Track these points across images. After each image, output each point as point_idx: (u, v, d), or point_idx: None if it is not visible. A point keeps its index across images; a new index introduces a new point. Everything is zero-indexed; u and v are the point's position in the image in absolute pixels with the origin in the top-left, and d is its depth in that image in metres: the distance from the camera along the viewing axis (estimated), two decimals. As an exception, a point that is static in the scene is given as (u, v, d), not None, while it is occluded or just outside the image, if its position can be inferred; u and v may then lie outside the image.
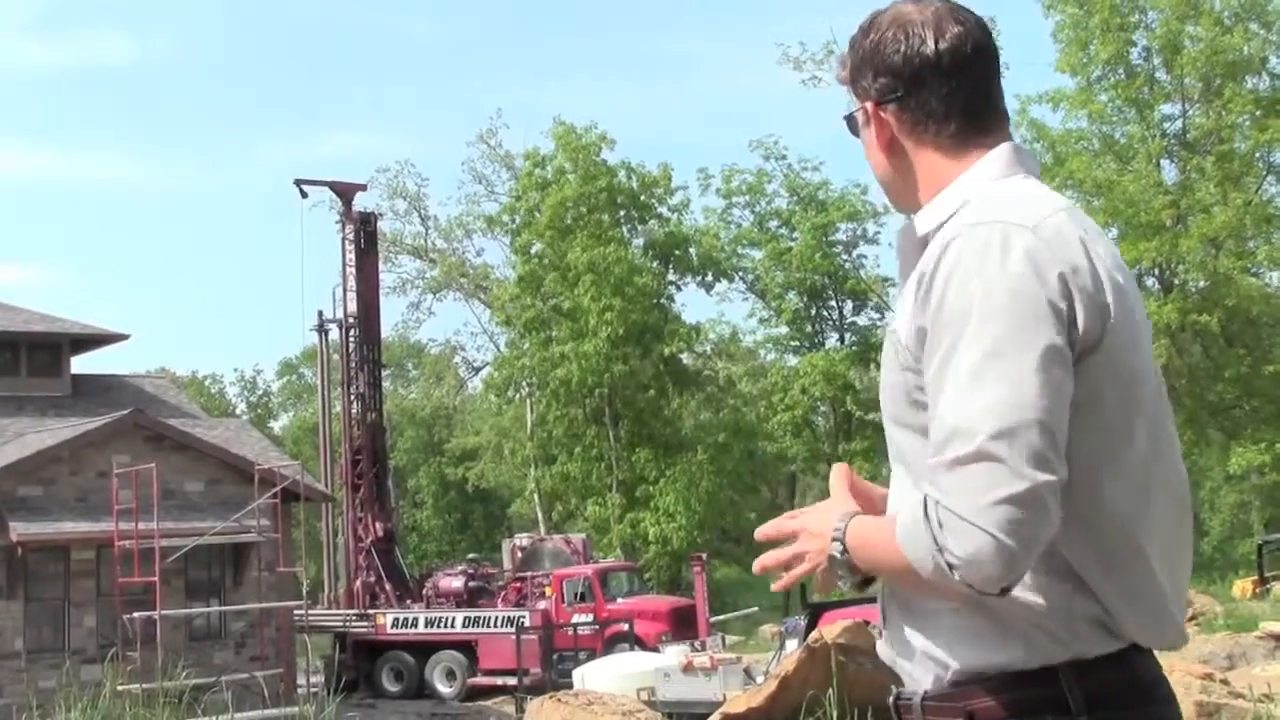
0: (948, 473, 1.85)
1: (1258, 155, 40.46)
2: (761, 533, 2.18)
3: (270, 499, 27.03)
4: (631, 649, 25.64)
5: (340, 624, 32.18)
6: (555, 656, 26.63)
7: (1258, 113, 39.36)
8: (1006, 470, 1.82)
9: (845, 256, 46.63)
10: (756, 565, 2.18)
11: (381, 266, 40.06)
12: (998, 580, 1.83)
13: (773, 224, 47.11)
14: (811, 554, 2.08)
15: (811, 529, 2.09)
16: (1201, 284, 40.20)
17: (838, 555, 2.02)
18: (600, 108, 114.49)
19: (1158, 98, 40.66)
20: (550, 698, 15.12)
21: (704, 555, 31.43)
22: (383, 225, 43.74)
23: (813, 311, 47.46)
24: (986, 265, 1.90)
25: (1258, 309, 40.22)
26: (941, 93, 2.10)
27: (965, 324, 1.88)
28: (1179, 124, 41.56)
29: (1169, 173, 41.29)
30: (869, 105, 2.17)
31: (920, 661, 2.06)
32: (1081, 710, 1.95)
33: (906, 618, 2.08)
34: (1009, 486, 1.81)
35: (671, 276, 46.63)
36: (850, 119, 2.22)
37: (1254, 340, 41.19)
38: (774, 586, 2.26)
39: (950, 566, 1.83)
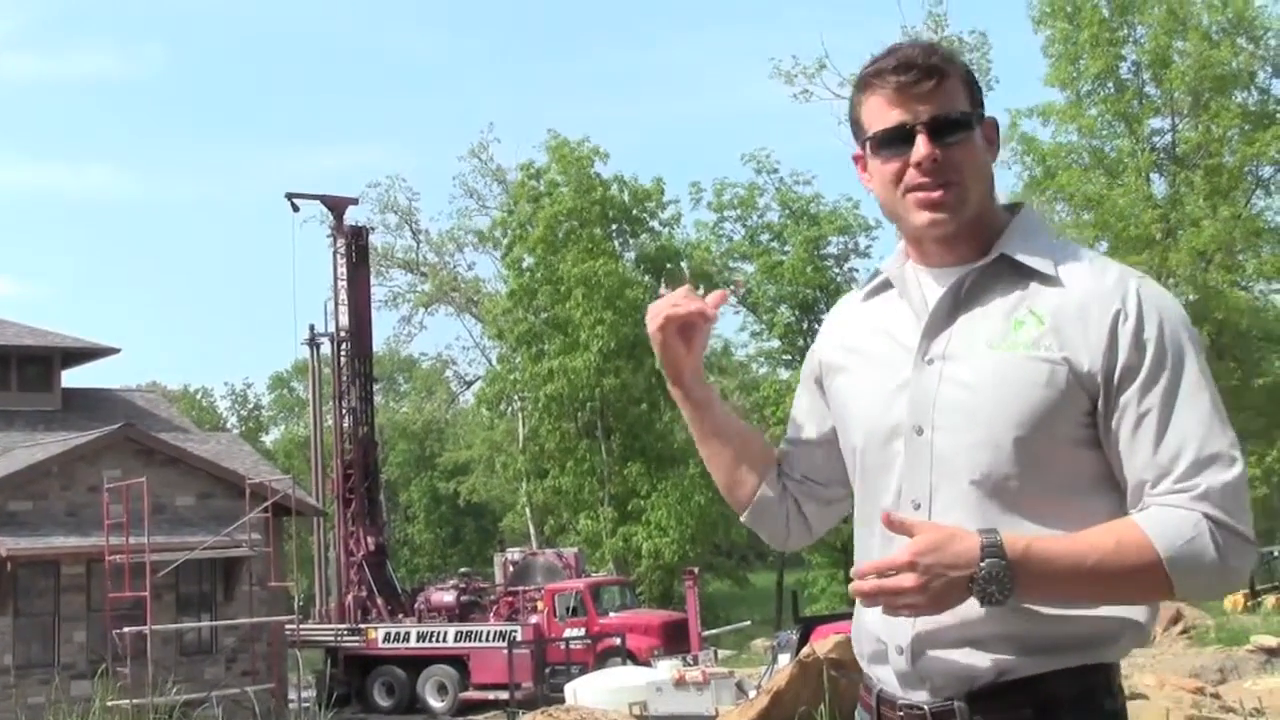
0: (1222, 492, 2.07)
1: (1246, 169, 40.61)
2: (862, 570, 2.10)
3: (261, 513, 27.01)
4: (624, 663, 25.61)
5: (332, 638, 32.11)
6: (547, 671, 26.61)
7: (1246, 126, 39.53)
8: (1247, 493, 2.11)
9: (837, 270, 46.70)
10: (854, 589, 2.10)
11: (373, 280, 40.12)
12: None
13: (764, 237, 47.18)
14: (931, 585, 2.03)
15: (928, 559, 2.03)
16: (1191, 297, 40.29)
17: (991, 572, 2.02)
18: (591, 121, 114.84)
19: (1147, 111, 40.82)
20: (542, 712, 15.11)
21: (696, 570, 31.45)
22: (374, 239, 43.79)
23: (804, 325, 47.48)
24: (1177, 310, 2.19)
25: (1247, 322, 40.31)
26: None
27: (1185, 361, 2.14)
28: (1168, 138, 41.73)
29: (1158, 186, 41.44)
30: (990, 118, 2.33)
31: (1029, 653, 2.14)
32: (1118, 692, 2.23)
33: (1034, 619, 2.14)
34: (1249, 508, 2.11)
35: (663, 291, 46.62)
36: (966, 115, 2.25)
37: (1244, 354, 41.26)
38: (889, 612, 2.12)
39: (1230, 576, 2.07)
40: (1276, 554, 33.27)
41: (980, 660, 2.14)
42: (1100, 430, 2.14)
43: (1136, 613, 2.17)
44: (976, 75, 2.35)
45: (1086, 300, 2.16)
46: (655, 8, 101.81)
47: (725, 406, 2.55)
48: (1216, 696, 11.60)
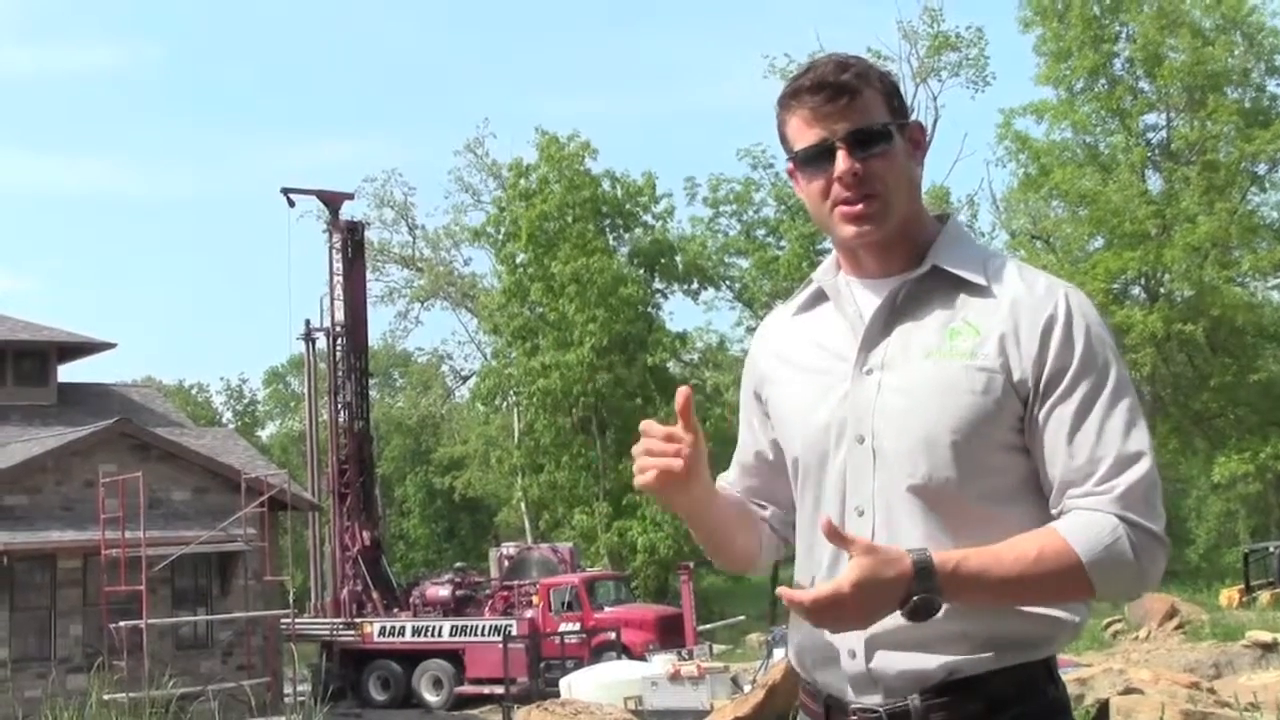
0: (1135, 492, 2.16)
1: (1242, 165, 40.61)
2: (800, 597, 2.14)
3: (257, 508, 27.01)
4: (619, 658, 25.60)
5: (327, 633, 32.10)
6: (542, 665, 26.60)
7: (1242, 123, 39.50)
8: (1161, 497, 2.21)
9: (832, 266, 46.69)
10: (789, 598, 2.15)
11: (369, 275, 40.07)
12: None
13: (760, 233, 47.23)
14: (865, 607, 2.11)
15: (867, 590, 2.09)
16: (1187, 293, 40.34)
17: (920, 603, 2.10)
18: (588, 116, 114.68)
19: (1140, 107, 40.83)
20: (537, 707, 15.14)
21: (691, 564, 31.41)
22: (370, 234, 43.74)
23: (800, 321, 47.48)
24: (1100, 320, 2.27)
25: (1242, 318, 40.35)
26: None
27: (1108, 368, 2.23)
28: (1163, 134, 41.75)
29: (1153, 183, 41.47)
30: (913, 122, 2.39)
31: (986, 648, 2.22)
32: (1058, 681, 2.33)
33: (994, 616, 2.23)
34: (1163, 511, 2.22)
35: (658, 285, 46.68)
36: (885, 126, 2.31)
37: (1239, 349, 41.32)
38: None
39: (1146, 577, 2.18)
40: (1272, 550, 33.23)
41: (931, 661, 2.21)
42: (1027, 434, 2.23)
43: (1075, 611, 2.26)
44: (899, 85, 2.43)
45: (1019, 309, 2.25)
46: (653, 1, 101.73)
47: (712, 485, 2.52)
48: (1212, 691, 11.63)
